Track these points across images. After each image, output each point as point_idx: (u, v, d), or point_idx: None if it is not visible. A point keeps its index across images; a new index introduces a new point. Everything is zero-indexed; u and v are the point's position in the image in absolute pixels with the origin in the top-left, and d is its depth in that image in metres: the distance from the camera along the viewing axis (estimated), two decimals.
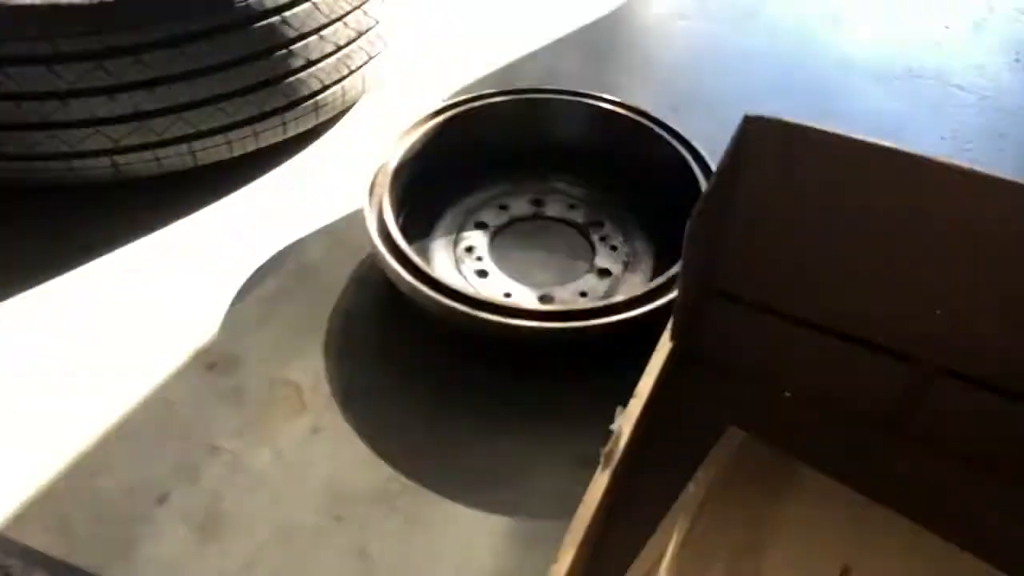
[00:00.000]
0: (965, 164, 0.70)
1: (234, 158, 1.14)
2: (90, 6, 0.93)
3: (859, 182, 0.73)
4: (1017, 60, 1.42)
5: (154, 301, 1.03)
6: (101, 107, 1.00)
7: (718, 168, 0.68)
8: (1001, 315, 0.76)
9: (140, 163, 1.08)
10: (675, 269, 0.90)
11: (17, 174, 1.07)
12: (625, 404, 0.76)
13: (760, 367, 0.90)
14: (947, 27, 1.49)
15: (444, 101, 1.12)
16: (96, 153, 1.05)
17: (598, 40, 1.46)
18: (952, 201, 0.72)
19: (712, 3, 1.56)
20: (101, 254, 1.09)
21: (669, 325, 0.82)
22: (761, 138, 0.71)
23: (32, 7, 0.92)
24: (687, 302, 0.79)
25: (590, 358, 0.96)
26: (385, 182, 1.00)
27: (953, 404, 0.83)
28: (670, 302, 0.89)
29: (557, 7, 1.53)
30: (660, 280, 0.92)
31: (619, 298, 0.91)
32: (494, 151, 1.15)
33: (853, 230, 0.77)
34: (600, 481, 0.71)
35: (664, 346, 0.82)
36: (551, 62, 1.41)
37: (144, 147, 1.06)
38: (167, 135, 1.06)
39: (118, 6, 0.94)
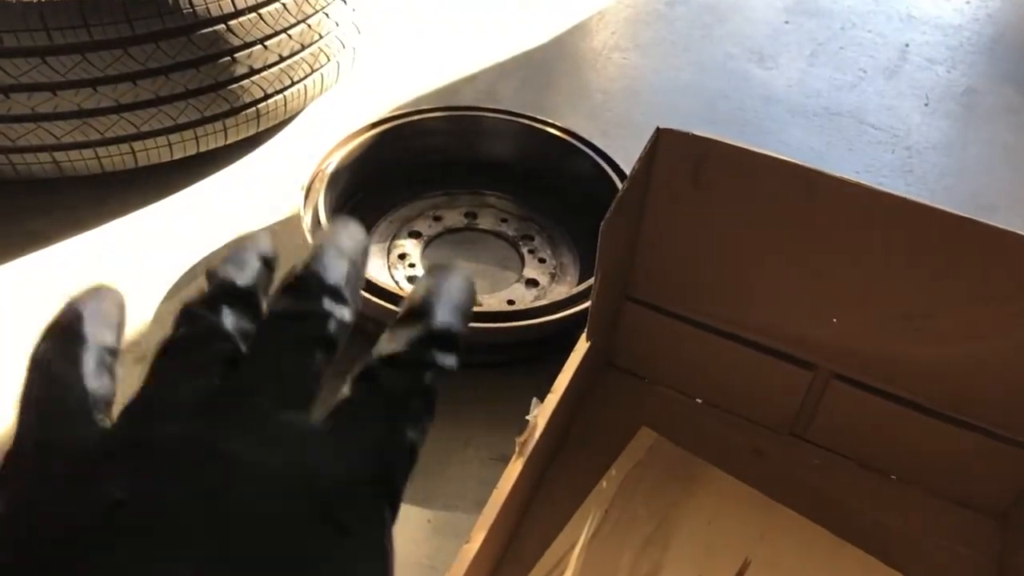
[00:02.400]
0: (857, 179, 0.76)
1: (175, 160, 1.17)
2: (37, 3, 0.95)
3: (762, 194, 0.79)
4: (926, 104, 1.52)
5: None
6: (44, 103, 1.02)
7: (630, 175, 0.73)
8: (888, 324, 0.82)
9: (81, 161, 1.10)
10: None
11: None
12: (543, 399, 0.80)
13: (672, 371, 0.96)
14: (863, 71, 1.59)
15: (384, 114, 1.17)
16: (37, 149, 1.07)
17: (536, 67, 1.53)
18: (846, 214, 0.78)
19: (646, 38, 1.64)
20: (41, 248, 1.10)
21: (586, 327, 0.86)
22: (672, 149, 0.76)
23: None
24: (601, 304, 0.83)
25: (515, 359, 1.00)
26: (321, 187, 1.04)
27: (847, 409, 0.89)
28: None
29: (498, 33, 1.59)
30: (581, 288, 0.97)
31: (542, 303, 0.95)
32: (430, 164, 1.19)
33: (757, 240, 0.82)
34: (514, 468, 0.75)
35: (581, 346, 0.86)
36: (490, 84, 1.46)
37: (86, 145, 1.08)
38: (109, 134, 1.08)
39: (65, 5, 0.96)
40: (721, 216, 0.82)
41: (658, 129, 0.75)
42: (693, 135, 0.76)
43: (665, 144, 0.76)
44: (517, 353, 1.01)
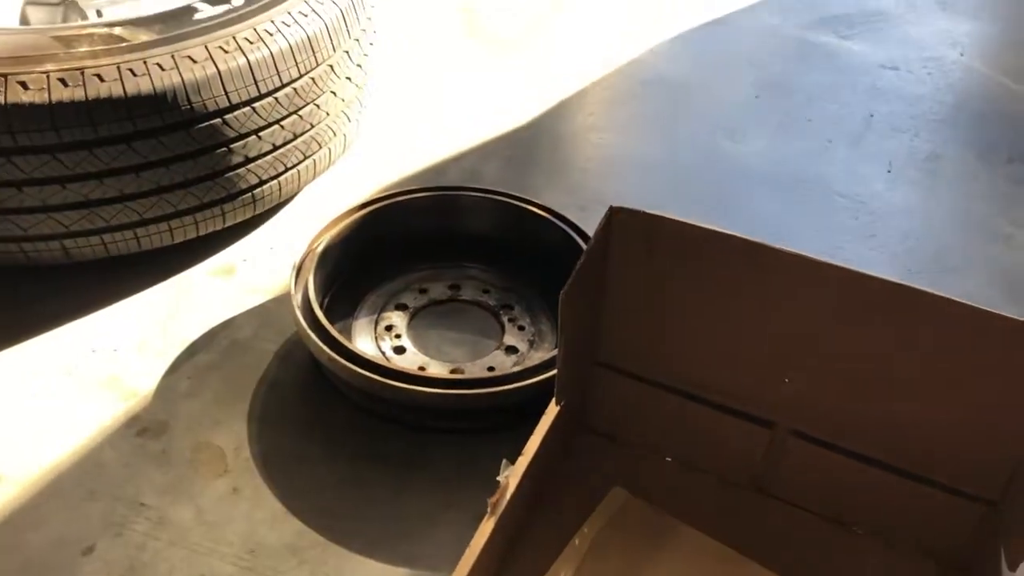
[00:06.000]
0: (795, 250, 0.83)
1: (176, 244, 1.24)
2: (50, 105, 1.04)
3: (711, 265, 0.86)
4: (889, 171, 1.59)
5: (95, 372, 1.11)
6: (54, 195, 1.10)
7: (586, 250, 0.80)
8: (839, 382, 0.87)
9: (88, 247, 1.17)
10: None
11: None
12: (513, 461, 0.85)
13: (641, 432, 1.01)
14: (830, 141, 1.67)
15: (373, 195, 1.25)
16: (47, 237, 1.14)
17: (519, 146, 1.62)
18: (789, 282, 0.84)
19: (621, 117, 1.73)
20: (50, 329, 1.17)
21: (555, 391, 0.92)
22: (626, 225, 0.83)
23: None
24: (568, 369, 0.89)
25: (499, 425, 1.06)
26: (311, 265, 1.11)
27: (806, 464, 0.93)
28: None
29: (482, 115, 1.69)
30: (554, 354, 1.03)
31: (516, 369, 1.01)
32: (416, 241, 1.27)
33: (711, 307, 0.89)
34: (487, 527, 0.80)
35: (551, 410, 0.92)
36: (475, 164, 1.55)
37: (92, 232, 1.16)
38: (114, 222, 1.16)
39: (73, 105, 1.05)
40: (676, 285, 0.89)
41: (611, 208, 0.83)
42: (643, 212, 0.83)
43: (619, 221, 0.83)
44: (499, 418, 1.07)
